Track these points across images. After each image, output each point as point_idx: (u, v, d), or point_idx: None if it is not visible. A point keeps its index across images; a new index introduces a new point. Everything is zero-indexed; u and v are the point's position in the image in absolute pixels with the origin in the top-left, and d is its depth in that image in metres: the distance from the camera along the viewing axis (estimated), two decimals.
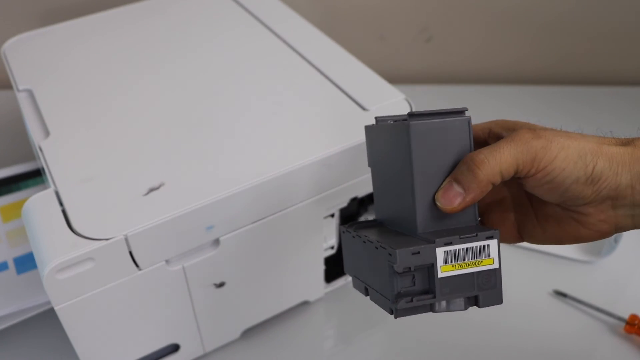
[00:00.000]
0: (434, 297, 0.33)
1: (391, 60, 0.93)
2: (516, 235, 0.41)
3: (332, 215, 0.54)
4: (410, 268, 0.33)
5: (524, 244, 0.64)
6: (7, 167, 0.67)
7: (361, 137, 0.49)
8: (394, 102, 0.53)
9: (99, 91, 0.56)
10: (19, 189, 0.65)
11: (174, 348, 0.53)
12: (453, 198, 0.35)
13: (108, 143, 0.50)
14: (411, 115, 0.35)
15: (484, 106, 0.80)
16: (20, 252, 0.59)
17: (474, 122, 0.37)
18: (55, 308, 0.43)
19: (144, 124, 0.52)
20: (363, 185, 0.53)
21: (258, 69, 0.58)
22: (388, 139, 0.38)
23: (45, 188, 0.47)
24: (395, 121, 0.38)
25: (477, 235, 0.34)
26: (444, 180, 0.36)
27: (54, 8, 0.86)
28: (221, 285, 0.50)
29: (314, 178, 0.49)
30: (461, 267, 0.34)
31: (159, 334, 0.50)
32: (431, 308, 0.34)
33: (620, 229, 0.37)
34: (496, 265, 0.34)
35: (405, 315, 0.34)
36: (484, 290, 0.34)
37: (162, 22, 0.66)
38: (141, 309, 0.47)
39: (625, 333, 0.56)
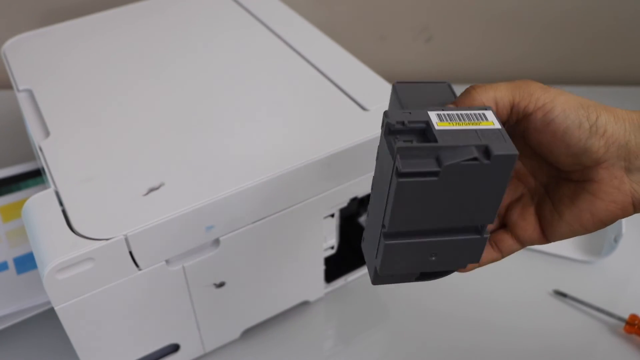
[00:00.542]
0: (435, 142, 0.31)
1: (391, 60, 0.93)
2: (540, 234, 0.38)
3: (332, 215, 0.54)
4: (403, 122, 0.31)
5: None
6: (7, 167, 0.67)
7: (361, 137, 0.49)
8: None
9: (99, 91, 0.56)
10: (19, 189, 0.65)
11: (174, 348, 0.53)
12: None
13: (108, 143, 0.50)
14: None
15: None
16: (20, 252, 0.59)
17: None
18: (55, 308, 0.43)
19: (144, 124, 0.52)
20: (363, 185, 0.53)
21: (258, 69, 0.58)
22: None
23: (45, 188, 0.47)
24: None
25: (470, 108, 0.33)
26: None
27: (54, 8, 0.86)
28: (221, 285, 0.50)
29: (314, 178, 0.49)
30: (459, 124, 0.32)
31: (159, 334, 0.50)
32: (437, 160, 0.30)
33: (638, 201, 0.35)
34: (498, 126, 0.32)
35: (409, 163, 0.30)
36: (491, 141, 0.31)
37: (162, 22, 0.66)
38: (141, 309, 0.47)
39: (625, 333, 0.56)
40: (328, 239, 0.56)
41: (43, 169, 0.51)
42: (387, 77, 0.57)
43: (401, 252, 0.34)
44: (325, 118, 0.51)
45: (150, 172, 0.47)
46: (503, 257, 0.38)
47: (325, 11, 0.89)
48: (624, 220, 0.60)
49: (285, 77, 0.57)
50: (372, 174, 0.38)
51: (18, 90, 0.58)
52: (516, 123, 0.36)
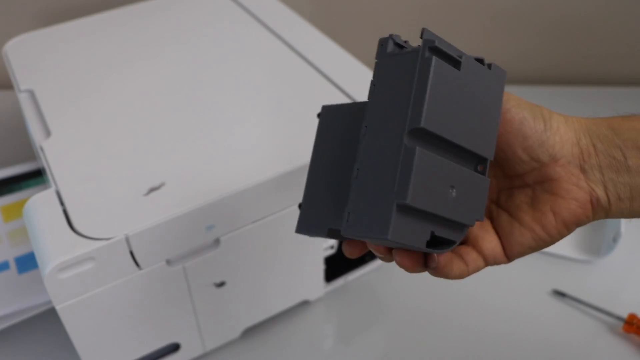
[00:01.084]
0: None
1: None
2: (501, 250, 0.37)
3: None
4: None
5: None
6: (8, 167, 0.67)
7: None
8: None
9: (99, 91, 0.56)
10: (20, 188, 0.65)
11: (175, 347, 0.53)
12: None
13: (109, 143, 0.50)
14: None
15: None
16: (21, 251, 0.59)
17: None
18: (57, 307, 0.43)
19: (144, 124, 0.52)
20: None
21: (258, 70, 0.58)
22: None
23: (46, 188, 0.47)
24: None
25: None
26: None
27: (55, 9, 0.87)
28: (221, 284, 0.51)
29: None
30: None
31: (159, 333, 0.51)
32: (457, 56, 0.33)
33: (597, 200, 0.34)
34: None
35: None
36: None
37: (163, 22, 0.66)
38: (142, 309, 0.47)
39: (623, 332, 0.56)
40: (328, 239, 0.56)
41: (44, 169, 0.51)
42: None
43: (430, 171, 0.31)
44: None
45: (151, 172, 0.47)
46: (469, 272, 0.36)
47: (325, 12, 0.89)
48: (623, 220, 0.60)
49: (285, 77, 0.57)
50: None
51: (19, 90, 0.58)
52: None
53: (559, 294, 0.60)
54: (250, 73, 0.58)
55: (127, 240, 0.42)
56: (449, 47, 0.33)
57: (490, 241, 0.36)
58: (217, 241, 0.48)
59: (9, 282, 0.57)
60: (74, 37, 0.65)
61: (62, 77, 0.59)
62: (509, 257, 0.36)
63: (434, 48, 0.32)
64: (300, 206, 0.37)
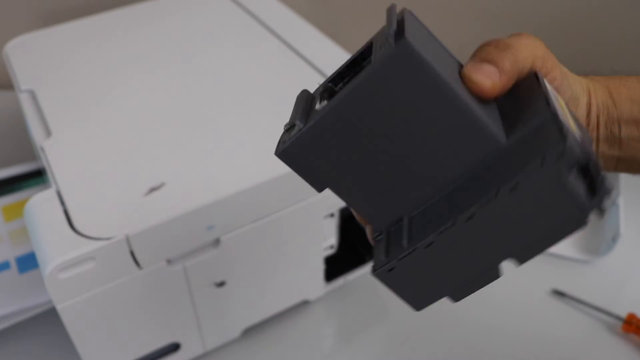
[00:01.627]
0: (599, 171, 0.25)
1: None
2: None
3: (332, 215, 0.54)
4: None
5: None
6: (9, 167, 0.67)
7: None
8: None
9: (100, 92, 0.56)
10: (20, 188, 0.65)
11: (175, 347, 0.53)
12: (489, 74, 0.29)
13: (109, 143, 0.50)
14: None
15: None
16: (22, 251, 0.59)
17: None
18: (57, 307, 0.43)
19: (145, 125, 0.52)
20: None
21: (258, 70, 0.58)
22: (360, 106, 0.27)
23: (47, 188, 0.47)
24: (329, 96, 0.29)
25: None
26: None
27: (56, 9, 0.87)
28: (221, 284, 0.51)
29: None
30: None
31: (159, 333, 0.51)
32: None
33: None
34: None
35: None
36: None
37: (163, 23, 0.66)
38: (142, 308, 0.47)
39: (623, 332, 0.56)
40: (328, 239, 0.56)
41: (44, 169, 0.51)
42: None
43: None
44: None
45: (151, 172, 0.47)
46: None
47: (325, 12, 0.89)
48: (622, 220, 0.60)
49: (285, 78, 0.57)
50: None
51: (20, 90, 0.58)
52: None
53: (558, 293, 0.60)
54: (250, 73, 0.58)
55: (127, 240, 0.42)
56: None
57: None
58: (217, 241, 0.48)
59: (9, 282, 0.57)
60: (74, 37, 0.65)
61: (63, 77, 0.59)
62: None
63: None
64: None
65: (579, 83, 0.34)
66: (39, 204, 0.45)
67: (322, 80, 0.56)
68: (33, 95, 0.57)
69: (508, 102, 0.29)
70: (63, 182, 0.47)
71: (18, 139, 0.76)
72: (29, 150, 0.69)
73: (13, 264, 0.58)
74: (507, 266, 0.61)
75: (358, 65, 0.30)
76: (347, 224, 0.60)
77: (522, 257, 0.27)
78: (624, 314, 0.57)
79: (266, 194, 0.47)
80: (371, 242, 0.32)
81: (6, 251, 0.59)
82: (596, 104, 0.33)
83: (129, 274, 0.44)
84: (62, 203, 0.45)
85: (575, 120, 0.28)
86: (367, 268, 0.62)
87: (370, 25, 0.94)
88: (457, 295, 0.30)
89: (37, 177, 0.66)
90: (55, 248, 0.41)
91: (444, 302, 0.33)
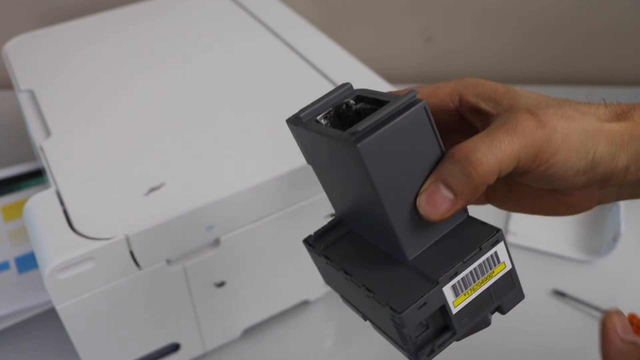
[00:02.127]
0: (454, 333, 0.30)
1: (391, 60, 0.93)
2: (482, 198, 0.36)
3: (332, 215, 0.54)
4: (422, 323, 0.29)
5: (523, 243, 0.64)
6: (8, 167, 0.67)
7: None
8: None
9: (100, 91, 0.56)
10: (20, 188, 0.65)
11: (175, 347, 0.53)
12: (440, 204, 0.29)
13: (109, 143, 0.50)
14: (350, 120, 0.30)
15: None
16: (21, 251, 0.59)
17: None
18: (57, 307, 0.43)
19: (144, 124, 0.52)
20: None
21: (258, 70, 0.58)
22: (328, 150, 0.30)
23: (46, 188, 0.47)
24: (331, 124, 0.31)
25: (480, 249, 0.28)
26: (420, 185, 0.29)
27: (55, 8, 0.87)
28: (221, 284, 0.51)
29: (314, 177, 0.49)
30: (474, 290, 0.29)
31: (159, 333, 0.51)
32: (456, 340, 0.30)
33: (600, 203, 0.34)
34: (509, 267, 0.29)
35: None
36: (503, 296, 0.30)
37: (163, 23, 0.66)
38: (142, 309, 0.47)
39: None
40: None
41: (44, 169, 0.51)
42: (387, 77, 0.57)
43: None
44: None
45: (151, 172, 0.47)
46: None
47: (325, 11, 0.89)
48: (622, 220, 0.60)
49: (285, 78, 0.57)
50: None
51: (19, 90, 0.58)
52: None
53: (559, 293, 0.60)
54: (250, 73, 0.58)
55: (127, 240, 0.42)
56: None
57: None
58: (217, 241, 0.48)
59: (9, 282, 0.57)
60: (74, 37, 0.65)
61: (62, 77, 0.59)
62: (488, 203, 0.36)
63: None
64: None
65: (607, 143, 0.31)
66: (39, 204, 0.45)
67: (322, 79, 0.56)
68: (32, 95, 0.57)
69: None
70: (62, 182, 0.46)
71: (17, 139, 0.76)
72: (28, 150, 0.69)
73: (12, 264, 0.58)
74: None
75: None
76: None
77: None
78: (624, 314, 0.57)
79: (266, 194, 0.47)
80: None
81: (5, 251, 0.59)
82: (625, 150, 0.31)
83: (129, 274, 0.44)
84: (62, 203, 0.45)
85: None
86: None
87: (370, 25, 0.94)
88: None
89: (36, 177, 0.66)
90: (55, 248, 0.41)
91: None
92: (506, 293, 0.30)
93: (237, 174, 0.47)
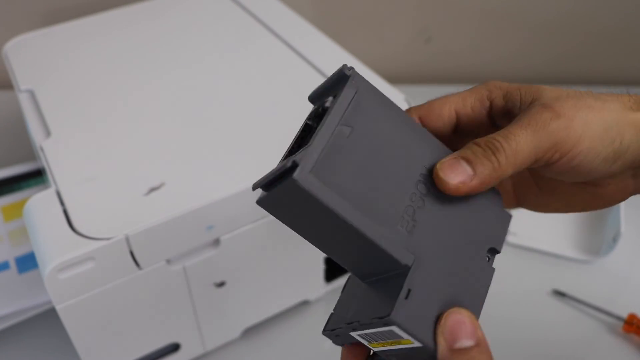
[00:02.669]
0: None
1: (391, 60, 0.93)
2: (514, 203, 0.36)
3: None
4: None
5: (523, 243, 0.64)
6: (8, 167, 0.67)
7: None
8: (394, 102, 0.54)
9: (100, 91, 0.56)
10: (20, 188, 0.65)
11: (175, 347, 0.53)
12: (460, 173, 0.29)
13: (109, 143, 0.50)
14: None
15: None
16: (21, 251, 0.59)
17: None
18: (57, 307, 0.43)
19: (144, 124, 0.52)
20: None
21: (258, 70, 0.58)
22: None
23: (46, 188, 0.47)
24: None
25: (371, 322, 0.27)
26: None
27: (55, 8, 0.87)
28: (221, 284, 0.51)
29: None
30: (389, 345, 0.28)
31: (159, 333, 0.51)
32: None
33: (635, 193, 0.34)
34: (418, 344, 0.27)
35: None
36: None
37: (163, 23, 0.66)
38: (142, 309, 0.47)
39: (623, 332, 0.56)
40: None
41: (44, 169, 0.51)
42: (387, 77, 0.57)
43: None
44: None
45: (151, 172, 0.47)
46: None
47: (325, 11, 0.89)
48: (622, 220, 0.60)
49: (285, 78, 0.57)
50: None
51: (19, 90, 0.58)
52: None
53: (559, 293, 0.60)
54: (250, 73, 0.58)
55: (127, 240, 0.42)
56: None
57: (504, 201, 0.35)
58: (217, 241, 0.48)
59: (9, 282, 0.57)
60: (74, 37, 0.65)
61: (62, 77, 0.59)
62: (519, 206, 0.36)
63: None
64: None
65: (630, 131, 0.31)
66: (39, 204, 0.45)
67: (322, 79, 0.56)
68: (32, 95, 0.57)
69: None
70: (62, 182, 0.46)
71: (17, 139, 0.76)
72: (28, 150, 0.69)
73: (12, 264, 0.58)
74: (508, 266, 0.62)
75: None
76: None
77: None
78: (624, 314, 0.57)
79: None
80: None
81: (5, 251, 0.59)
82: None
83: (129, 274, 0.44)
84: (62, 203, 0.45)
85: None
86: None
87: (370, 25, 0.94)
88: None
89: (36, 177, 0.66)
90: (55, 248, 0.41)
91: None
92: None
93: (237, 174, 0.47)
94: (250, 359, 0.56)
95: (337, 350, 0.57)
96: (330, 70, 0.57)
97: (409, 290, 0.27)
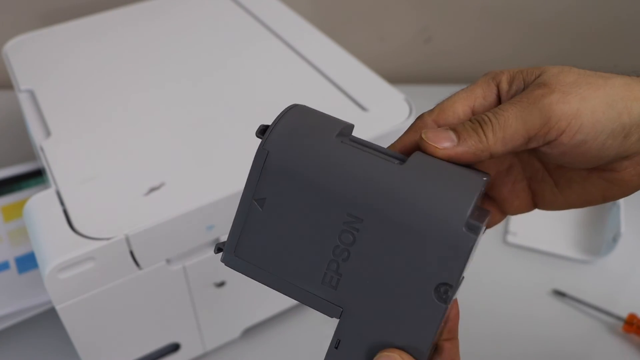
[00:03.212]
0: None
1: (391, 60, 0.93)
2: (528, 206, 0.35)
3: None
4: None
5: (523, 243, 0.64)
6: (8, 167, 0.67)
7: (361, 136, 0.49)
8: (394, 102, 0.54)
9: (100, 91, 0.56)
10: (20, 188, 0.65)
11: (175, 347, 0.53)
12: (443, 139, 0.29)
13: (109, 143, 0.50)
14: None
15: None
16: (21, 251, 0.59)
17: None
18: (57, 307, 0.43)
19: (144, 124, 0.52)
20: None
21: (258, 70, 0.58)
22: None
23: (46, 188, 0.47)
24: None
25: None
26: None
27: (55, 8, 0.87)
28: (221, 284, 0.51)
29: None
30: None
31: (159, 333, 0.51)
32: None
33: None
34: None
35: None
36: None
37: (163, 23, 0.66)
38: (142, 308, 0.47)
39: (623, 332, 0.56)
40: None
41: (44, 169, 0.51)
42: (387, 77, 0.57)
43: None
44: None
45: (151, 172, 0.47)
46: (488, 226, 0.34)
47: (325, 11, 0.89)
48: (622, 220, 0.60)
49: (285, 78, 0.57)
50: None
51: (19, 90, 0.58)
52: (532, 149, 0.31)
53: (559, 293, 0.60)
54: (249, 73, 0.58)
55: (127, 240, 0.42)
56: None
57: (518, 204, 0.35)
58: (217, 241, 0.48)
59: (9, 282, 0.57)
60: (74, 37, 0.65)
61: (62, 77, 0.59)
62: (537, 208, 0.35)
63: None
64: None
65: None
66: (39, 204, 0.45)
67: (322, 79, 0.56)
68: (32, 95, 0.57)
69: None
70: (62, 182, 0.46)
71: (17, 139, 0.76)
72: (28, 150, 0.69)
73: (12, 264, 0.58)
74: (508, 266, 0.61)
75: None
76: None
77: None
78: (624, 314, 0.57)
79: None
80: None
81: (5, 251, 0.59)
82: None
83: (129, 274, 0.44)
84: (62, 203, 0.45)
85: None
86: None
87: (370, 25, 0.94)
88: None
89: (36, 177, 0.66)
90: (55, 248, 0.41)
91: None
92: None
93: (237, 174, 0.47)
94: (250, 359, 0.56)
95: None
96: (331, 70, 0.57)
97: (339, 341, 0.29)
